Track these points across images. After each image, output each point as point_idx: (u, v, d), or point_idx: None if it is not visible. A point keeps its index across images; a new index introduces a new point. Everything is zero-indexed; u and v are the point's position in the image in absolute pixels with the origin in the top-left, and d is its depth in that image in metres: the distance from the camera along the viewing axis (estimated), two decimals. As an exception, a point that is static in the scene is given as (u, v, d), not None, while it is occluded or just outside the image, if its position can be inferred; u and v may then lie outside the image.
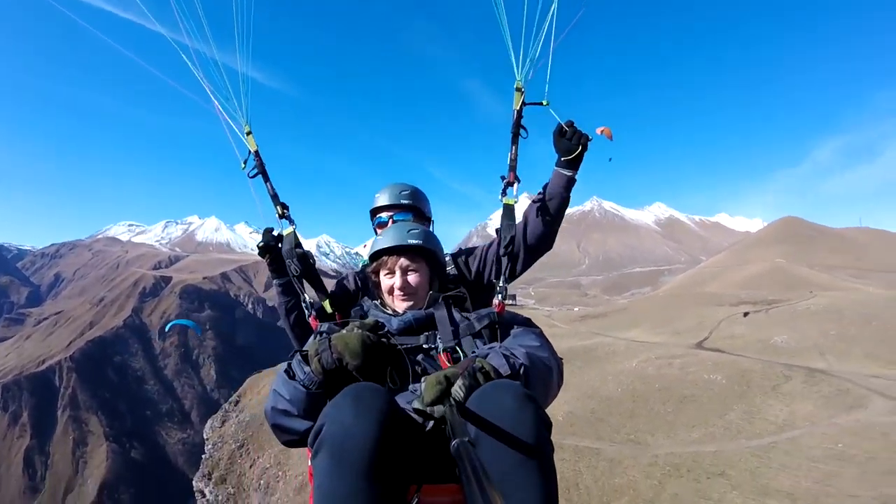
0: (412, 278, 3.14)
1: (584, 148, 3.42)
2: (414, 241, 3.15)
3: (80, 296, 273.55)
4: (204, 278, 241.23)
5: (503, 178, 3.46)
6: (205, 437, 39.90)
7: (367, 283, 3.75)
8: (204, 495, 33.83)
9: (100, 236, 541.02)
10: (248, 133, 3.86)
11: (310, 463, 2.14)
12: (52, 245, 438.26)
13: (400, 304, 3.11)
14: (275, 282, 3.81)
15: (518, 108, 3.49)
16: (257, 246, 3.80)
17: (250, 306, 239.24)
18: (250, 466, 31.14)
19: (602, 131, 3.68)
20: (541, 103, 3.52)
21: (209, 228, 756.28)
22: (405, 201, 4.14)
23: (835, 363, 28.65)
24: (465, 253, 3.98)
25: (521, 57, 3.41)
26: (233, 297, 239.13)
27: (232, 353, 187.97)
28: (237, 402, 41.87)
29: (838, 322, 35.82)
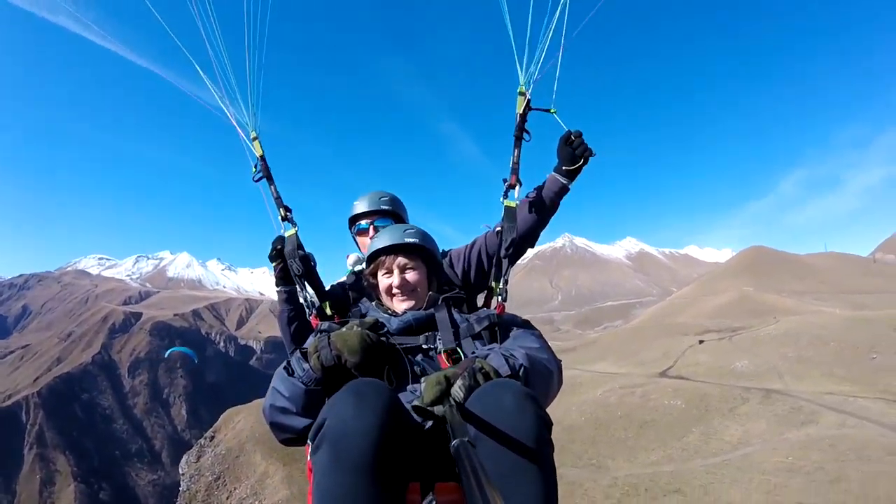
0: (410, 276, 3.15)
1: (586, 161, 3.47)
2: (411, 240, 3.17)
3: (48, 329, 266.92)
4: (175, 315, 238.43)
5: (505, 180, 3.50)
6: (181, 471, 39.92)
7: (358, 289, 3.81)
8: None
9: (69, 268, 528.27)
10: (255, 139, 3.95)
11: (308, 458, 2.17)
12: (21, 276, 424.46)
13: (399, 305, 3.12)
14: (279, 289, 3.79)
15: (521, 111, 3.53)
16: (269, 255, 3.77)
17: (221, 344, 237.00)
18: (227, 497, 31.17)
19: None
20: (548, 110, 3.57)
21: (181, 264, 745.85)
22: (385, 207, 4.17)
23: (791, 383, 29.57)
24: (450, 255, 3.96)
25: (524, 61, 3.46)
26: (204, 335, 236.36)
27: (202, 392, 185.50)
28: (212, 438, 41.65)
29: (796, 345, 36.78)
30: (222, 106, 3.86)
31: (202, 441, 41.85)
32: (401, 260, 3.14)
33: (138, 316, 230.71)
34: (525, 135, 3.54)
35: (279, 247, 3.68)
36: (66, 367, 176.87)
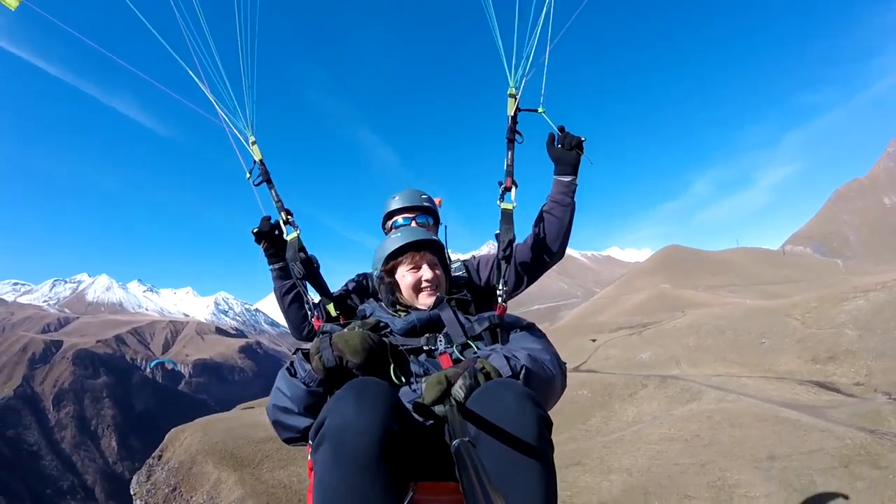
0: (438, 272, 3.23)
1: (581, 150, 3.55)
2: (435, 238, 3.30)
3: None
4: (97, 342, 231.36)
5: (500, 183, 3.47)
6: (132, 491, 40.07)
7: (358, 291, 3.92)
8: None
9: None
10: (254, 143, 3.98)
11: (309, 457, 2.21)
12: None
13: (427, 299, 3.16)
14: (270, 268, 3.89)
15: (511, 113, 3.56)
16: (252, 232, 3.86)
17: (148, 370, 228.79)
18: (186, 504, 32.22)
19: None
20: (535, 110, 3.63)
21: (100, 287, 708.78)
22: (427, 204, 4.24)
23: (687, 369, 32.43)
24: (478, 260, 4.04)
25: (513, 62, 3.50)
26: (129, 361, 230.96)
27: (132, 421, 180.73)
28: (160, 457, 41.52)
29: (697, 335, 39.57)
30: (219, 111, 3.91)
31: (150, 461, 41.27)
32: (429, 255, 3.24)
33: (59, 344, 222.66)
34: (517, 136, 3.59)
35: (265, 228, 3.83)
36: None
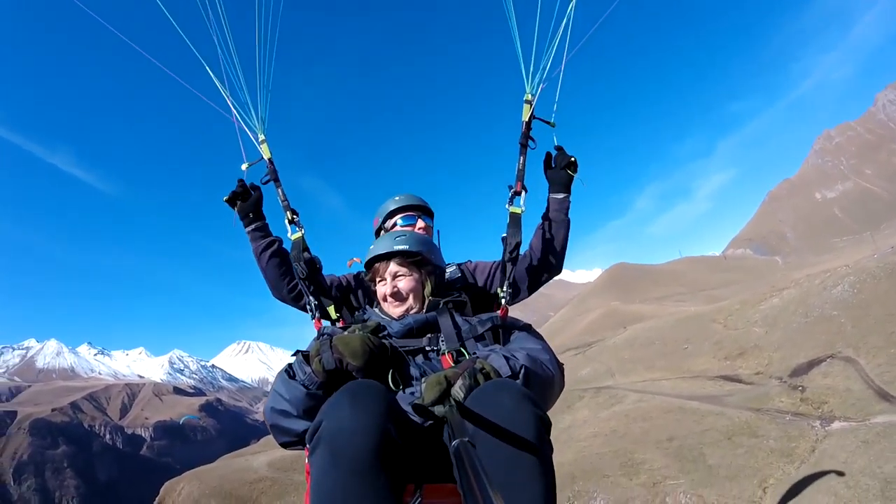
0: (402, 284, 3.14)
1: (572, 170, 3.58)
2: (400, 247, 3.19)
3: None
4: (53, 410, 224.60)
5: (510, 187, 3.47)
6: None
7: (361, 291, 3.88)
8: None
9: None
10: (263, 141, 3.93)
11: (307, 461, 2.15)
12: None
13: (393, 311, 3.12)
14: (246, 229, 3.83)
15: (526, 119, 3.57)
16: (224, 199, 3.84)
17: (108, 436, 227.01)
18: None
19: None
20: (550, 123, 3.66)
21: (49, 353, 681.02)
22: (426, 205, 4.22)
23: (620, 379, 36.38)
24: (475, 264, 4.00)
25: (531, 69, 3.49)
26: (87, 428, 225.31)
27: (96, 492, 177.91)
28: None
29: (631, 348, 43.12)
30: (232, 108, 3.88)
31: None
32: (392, 267, 3.17)
33: (13, 415, 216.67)
34: (530, 142, 3.58)
35: (237, 190, 3.81)
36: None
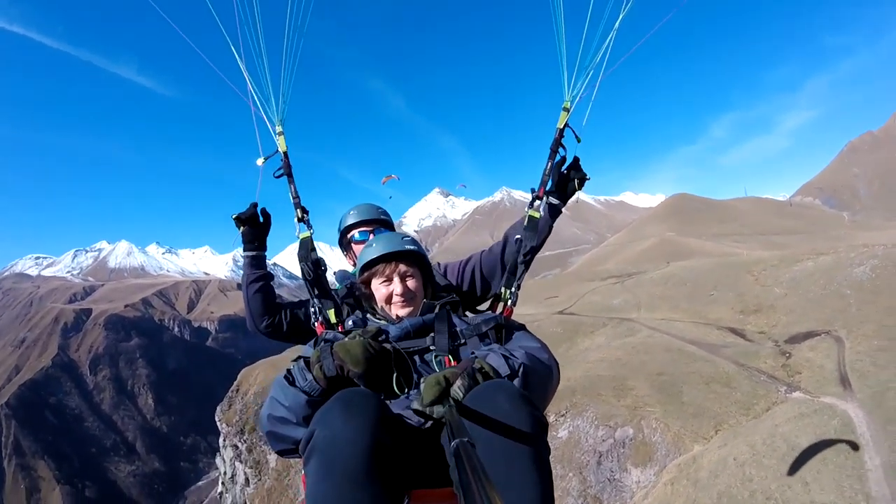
0: (411, 284, 3.14)
1: (581, 187, 3.65)
2: (409, 247, 3.18)
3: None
4: (126, 306, 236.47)
5: (533, 190, 3.57)
6: (217, 419, 48.45)
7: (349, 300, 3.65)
8: (237, 448, 43.95)
9: (7, 273, 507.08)
10: (280, 133, 3.93)
11: (303, 471, 2.14)
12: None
13: (400, 311, 3.10)
14: (244, 254, 3.81)
15: (561, 126, 3.62)
16: (232, 217, 3.76)
17: (177, 329, 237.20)
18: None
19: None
20: (577, 139, 3.67)
21: (120, 253, 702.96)
22: (384, 217, 4.23)
23: (644, 314, 38.92)
24: (444, 267, 4.02)
25: (573, 78, 3.55)
26: (157, 322, 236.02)
27: (165, 379, 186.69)
28: (237, 389, 49.66)
29: (664, 286, 45.01)
30: (253, 96, 3.87)
31: (229, 395, 49.85)
32: (402, 267, 3.13)
33: (88, 312, 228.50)
34: (561, 148, 3.63)
35: (243, 214, 3.76)
36: (27, 375, 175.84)
